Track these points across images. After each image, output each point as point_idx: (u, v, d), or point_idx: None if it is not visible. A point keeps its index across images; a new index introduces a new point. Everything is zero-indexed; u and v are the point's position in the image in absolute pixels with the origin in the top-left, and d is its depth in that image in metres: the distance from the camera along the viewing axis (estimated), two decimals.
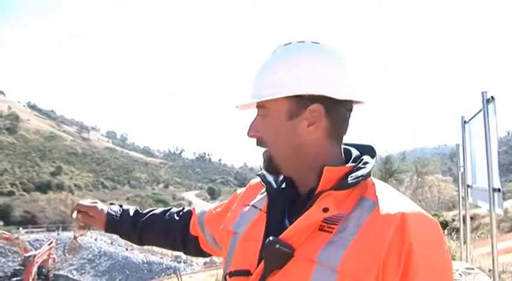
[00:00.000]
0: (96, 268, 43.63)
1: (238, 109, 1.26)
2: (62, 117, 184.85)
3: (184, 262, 41.34)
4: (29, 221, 66.40)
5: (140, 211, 1.74)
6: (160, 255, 44.73)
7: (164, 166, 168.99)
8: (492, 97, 3.92)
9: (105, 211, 1.70)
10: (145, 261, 42.77)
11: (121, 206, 1.75)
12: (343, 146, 1.21)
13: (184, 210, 1.71)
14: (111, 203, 1.76)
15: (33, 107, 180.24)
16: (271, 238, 1.08)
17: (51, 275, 26.21)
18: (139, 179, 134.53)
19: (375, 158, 1.18)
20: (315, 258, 1.03)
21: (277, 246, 1.06)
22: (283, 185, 1.25)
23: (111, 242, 51.25)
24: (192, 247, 1.66)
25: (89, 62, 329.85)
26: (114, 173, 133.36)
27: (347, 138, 1.22)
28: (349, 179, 1.09)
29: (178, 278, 21.68)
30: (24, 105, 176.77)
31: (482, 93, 4.04)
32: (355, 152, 1.21)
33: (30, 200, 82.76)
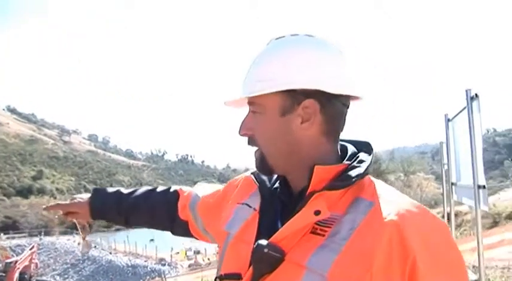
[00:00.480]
0: (80, 272, 43.29)
1: (227, 106, 1.19)
2: (43, 121, 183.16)
3: (169, 265, 41.23)
4: (10, 226, 65.71)
5: (123, 193, 1.64)
6: (144, 258, 44.58)
7: (147, 169, 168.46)
8: (476, 95, 3.93)
9: (87, 202, 1.63)
10: (129, 264, 42.55)
11: (104, 189, 1.68)
12: (340, 143, 1.14)
13: (171, 190, 1.62)
14: (95, 189, 1.68)
15: (12, 111, 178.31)
16: (260, 241, 1.02)
17: (35, 279, 25.85)
18: (121, 182, 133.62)
19: (371, 155, 1.11)
20: (305, 263, 0.96)
21: (266, 250, 1.00)
22: (277, 185, 1.19)
23: (95, 246, 50.92)
24: (180, 229, 1.58)
25: (71, 65, 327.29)
26: (96, 176, 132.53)
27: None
28: (343, 179, 1.02)
29: None
30: (3, 109, 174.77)
31: (466, 91, 4.05)
32: (351, 149, 1.13)
33: (11, 205, 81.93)
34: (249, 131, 1.12)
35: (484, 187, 3.95)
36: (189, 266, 39.20)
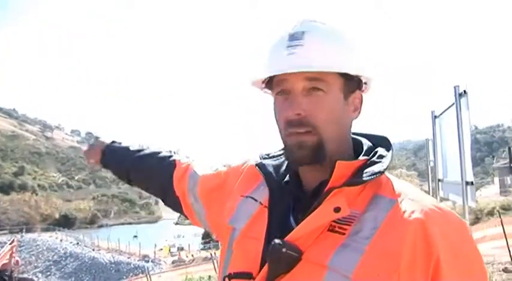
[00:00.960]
0: (62, 269, 42.93)
1: (253, 85, 1.14)
2: (24, 116, 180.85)
3: (153, 261, 41.10)
4: None
5: (130, 149, 1.60)
6: (128, 255, 44.36)
7: None
8: (465, 91, 3.94)
9: (101, 149, 1.64)
10: (112, 261, 42.30)
11: (120, 143, 1.66)
12: (353, 136, 1.11)
13: (169, 159, 1.52)
14: (113, 141, 1.67)
15: None
16: (276, 240, 0.97)
17: (16, 277, 25.43)
18: (105, 179, 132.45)
19: (391, 151, 1.06)
20: (326, 263, 0.92)
21: (284, 250, 0.95)
22: (287, 178, 1.13)
23: (77, 243, 50.63)
24: (172, 202, 1.50)
25: (53, 59, 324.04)
26: (79, 172, 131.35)
27: None
28: (364, 175, 0.98)
29: (147, 278, 21.46)
30: None
31: (454, 87, 4.05)
32: (366, 144, 1.09)
33: None
34: (304, 112, 1.01)
35: (472, 183, 3.97)
36: (173, 262, 39.07)
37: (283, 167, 1.17)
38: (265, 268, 0.99)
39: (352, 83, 1.05)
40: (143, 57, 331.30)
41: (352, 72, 1.03)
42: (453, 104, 4.19)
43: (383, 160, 1.03)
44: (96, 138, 1.73)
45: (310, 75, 1.00)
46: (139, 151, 1.58)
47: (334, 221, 0.96)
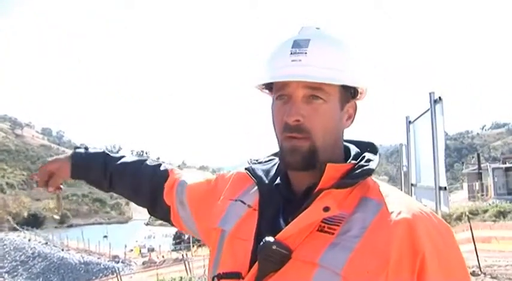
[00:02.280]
0: (30, 270, 42.17)
1: (255, 88, 1.18)
2: None
3: (123, 262, 40.68)
4: None
5: (111, 155, 1.53)
6: (97, 255, 43.82)
7: None
8: (440, 98, 3.99)
9: (68, 158, 1.52)
10: (82, 261, 41.71)
11: (87, 149, 1.55)
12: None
13: (160, 168, 1.50)
14: (76, 147, 1.57)
15: None
16: (267, 238, 1.00)
17: None
18: None
19: (377, 155, 1.12)
20: (317, 261, 0.96)
21: (274, 247, 0.98)
22: (277, 181, 1.16)
23: (46, 243, 49.80)
24: (160, 212, 1.48)
25: (24, 56, 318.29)
26: None
27: None
28: (352, 176, 1.03)
29: (118, 279, 21.22)
30: None
31: (430, 93, 4.10)
32: (354, 149, 1.15)
33: None
34: (303, 118, 1.05)
35: (445, 188, 4.03)
36: (143, 263, 38.71)
37: (272, 172, 1.20)
38: (255, 266, 1.01)
39: (349, 93, 1.11)
40: (143, 57, 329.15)
41: (351, 84, 1.08)
42: (428, 110, 4.25)
43: (370, 163, 1.07)
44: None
45: (311, 84, 1.04)
46: (120, 157, 1.55)
47: (323, 222, 1.00)
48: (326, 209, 0.99)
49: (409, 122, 5.72)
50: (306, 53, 1.05)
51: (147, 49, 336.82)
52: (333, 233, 0.98)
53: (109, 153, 1.55)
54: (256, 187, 1.18)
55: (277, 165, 1.21)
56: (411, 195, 6.06)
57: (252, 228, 1.10)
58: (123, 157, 1.56)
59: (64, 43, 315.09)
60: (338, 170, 1.04)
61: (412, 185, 5.96)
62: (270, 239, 0.99)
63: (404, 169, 6.69)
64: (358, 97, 1.14)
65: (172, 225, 1.50)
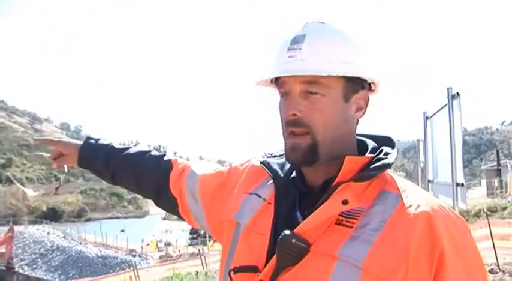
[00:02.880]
0: (49, 262, 42.67)
1: (258, 85, 1.17)
2: (14, 108, 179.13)
3: (140, 256, 40.99)
4: None
5: (115, 147, 1.55)
6: (115, 249, 44.19)
7: None
8: (457, 93, 3.95)
9: (77, 148, 1.56)
10: (99, 255, 42.13)
11: (97, 140, 1.58)
12: (357, 138, 1.15)
13: (165, 158, 1.49)
14: (88, 137, 1.61)
15: None
16: (286, 231, 1.00)
17: (10, 265, 24.85)
18: None
19: (395, 149, 1.10)
20: (336, 253, 0.95)
21: (293, 241, 0.98)
22: (293, 175, 1.16)
23: (64, 236, 50.33)
24: (166, 203, 1.47)
25: (43, 52, 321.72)
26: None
27: None
28: (371, 169, 1.02)
29: (134, 273, 21.40)
30: None
31: (447, 89, 4.06)
32: (371, 143, 1.13)
33: None
34: (300, 113, 1.05)
35: (462, 184, 3.99)
36: (160, 257, 38.97)
37: (287, 165, 1.19)
38: (274, 259, 1.01)
39: (355, 84, 1.08)
40: (143, 57, 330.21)
41: (351, 74, 1.06)
42: (446, 105, 4.21)
43: (389, 156, 1.06)
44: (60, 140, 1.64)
45: (306, 78, 1.03)
46: (126, 148, 1.55)
47: (341, 215, 1.00)
48: (345, 202, 0.98)
49: (427, 117, 5.67)
50: (300, 48, 1.05)
51: (147, 49, 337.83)
52: (351, 227, 0.98)
53: (115, 145, 1.56)
54: (271, 181, 1.18)
55: None
56: (428, 191, 6.02)
57: (269, 222, 1.09)
58: (128, 148, 1.56)
59: (78, 40, 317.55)
60: (356, 163, 1.04)
61: (429, 181, 5.91)
62: (289, 232, 0.99)
63: (422, 164, 6.63)
64: (373, 89, 1.13)
65: (180, 217, 1.48)
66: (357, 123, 1.12)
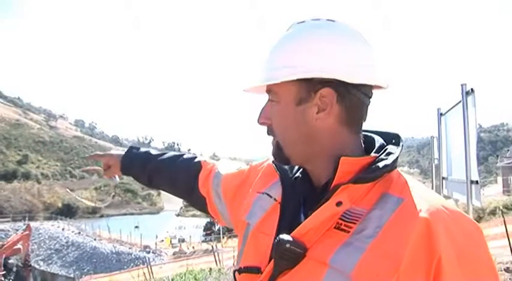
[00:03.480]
0: (64, 258, 43.01)
1: (246, 93, 1.15)
2: (29, 105, 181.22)
3: (154, 252, 41.19)
4: None
5: (152, 153, 1.67)
6: (129, 245, 44.48)
7: None
8: (472, 89, 3.91)
9: (120, 157, 1.70)
10: (113, 251, 42.37)
11: (137, 148, 1.72)
12: (367, 134, 1.10)
13: (195, 160, 1.57)
14: (130, 146, 1.74)
15: None
16: (281, 235, 0.97)
17: (28, 263, 25.17)
18: None
19: (400, 147, 1.05)
20: (328, 261, 0.91)
21: (288, 246, 0.95)
22: (296, 175, 1.14)
23: (79, 232, 50.71)
24: (198, 203, 1.53)
25: (59, 50, 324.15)
26: (82, 162, 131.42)
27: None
28: (369, 171, 0.97)
29: (148, 269, 21.49)
30: None
31: (461, 85, 4.02)
32: (379, 141, 1.08)
33: None
34: (268, 121, 1.07)
35: (476, 182, 3.94)
36: (174, 254, 39.18)
37: (297, 166, 1.17)
38: (271, 263, 0.99)
39: (311, 85, 1.01)
40: (159, 54, 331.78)
41: (289, 77, 0.99)
42: (460, 102, 4.17)
43: (389, 156, 1.00)
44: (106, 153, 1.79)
45: (267, 87, 1.06)
46: (161, 154, 1.64)
47: (341, 219, 0.96)
48: (338, 203, 0.94)
49: (441, 114, 5.62)
50: (267, 57, 1.07)
51: (139, 40, 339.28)
52: (348, 232, 0.93)
53: (151, 151, 1.68)
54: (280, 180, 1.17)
55: None
56: (442, 188, 5.98)
57: (275, 222, 1.08)
58: (163, 154, 1.65)
59: (94, 37, 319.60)
60: (354, 163, 0.99)
61: (443, 178, 5.87)
62: (284, 236, 0.96)
63: (436, 161, 6.57)
64: (331, 85, 1.01)
65: (211, 216, 1.53)
66: (347, 123, 1.03)
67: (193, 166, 1.54)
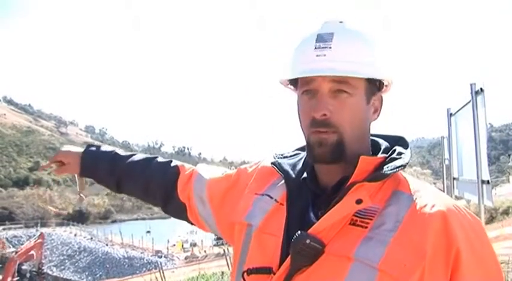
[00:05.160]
0: (76, 264, 43.25)
1: (281, 83, 1.18)
2: (39, 112, 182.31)
3: (166, 257, 41.25)
4: (6, 217, 65.44)
5: (119, 154, 1.54)
6: (141, 250, 44.59)
7: None
8: (481, 89, 3.88)
9: (78, 155, 1.53)
10: (125, 256, 42.51)
11: (99, 147, 1.57)
12: (371, 138, 1.16)
13: (171, 164, 1.50)
14: (88, 144, 1.59)
15: (9, 102, 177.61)
16: (300, 232, 0.99)
17: (41, 270, 25.35)
18: None
19: (409, 149, 1.09)
20: (352, 255, 0.95)
21: (308, 241, 0.97)
22: (304, 176, 1.15)
23: (91, 238, 50.94)
24: (175, 210, 1.49)
25: (68, 56, 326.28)
26: None
27: None
28: (385, 169, 1.01)
29: (161, 274, 21.55)
30: (0, 100, 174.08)
31: (471, 85, 3.99)
32: (384, 143, 1.13)
33: (7, 196, 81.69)
34: (329, 113, 1.04)
35: (488, 182, 3.91)
36: (186, 258, 39.22)
37: (299, 166, 1.19)
38: (288, 260, 1.00)
39: (374, 86, 1.09)
40: (141, 52, 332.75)
41: (377, 76, 1.07)
42: (469, 101, 4.14)
43: (402, 156, 1.05)
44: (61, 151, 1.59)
45: (336, 78, 1.03)
46: (130, 156, 1.54)
47: (355, 216, 0.99)
48: (358, 201, 0.98)
49: (450, 114, 5.59)
50: (330, 47, 1.04)
51: (145, 44, 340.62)
52: (366, 227, 0.97)
53: (118, 152, 1.55)
54: (282, 181, 1.17)
55: (303, 159, 1.20)
56: (453, 189, 5.94)
57: (281, 223, 1.09)
58: (132, 155, 1.55)
59: (103, 44, 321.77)
60: (370, 163, 1.04)
61: (454, 178, 5.83)
62: (303, 233, 0.98)
63: (446, 162, 6.55)
64: (383, 90, 1.13)
65: (188, 221, 1.49)
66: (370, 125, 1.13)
67: (170, 171, 1.48)
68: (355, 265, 0.94)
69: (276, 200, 1.15)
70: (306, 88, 1.07)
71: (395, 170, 1.01)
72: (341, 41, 1.05)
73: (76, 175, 1.59)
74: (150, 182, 1.49)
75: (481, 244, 0.98)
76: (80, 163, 1.53)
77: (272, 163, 1.22)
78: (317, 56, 1.05)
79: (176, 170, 1.48)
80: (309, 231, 0.99)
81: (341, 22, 1.09)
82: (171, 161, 1.52)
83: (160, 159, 1.54)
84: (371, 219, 0.98)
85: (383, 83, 1.11)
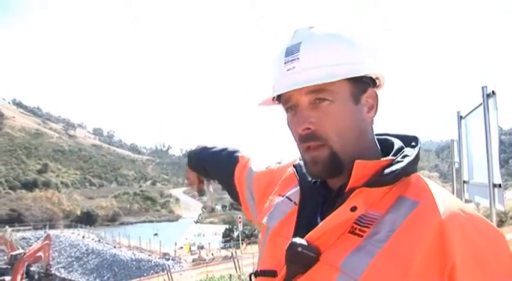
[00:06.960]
0: (84, 265, 43.41)
1: (261, 106, 1.13)
2: (48, 115, 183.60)
3: (173, 259, 41.24)
4: (15, 219, 65.89)
5: (206, 148, 1.69)
6: (148, 252, 44.63)
7: (151, 163, 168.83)
8: (493, 92, 3.84)
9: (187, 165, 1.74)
10: (133, 258, 42.55)
11: (195, 148, 1.74)
12: (387, 138, 1.09)
13: (235, 154, 1.57)
14: (191, 150, 1.76)
15: (18, 105, 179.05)
16: (293, 239, 0.96)
17: (49, 272, 25.49)
18: (126, 177, 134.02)
19: (416, 150, 1.02)
20: (339, 265, 0.90)
21: (300, 249, 0.94)
22: (314, 179, 1.12)
23: (99, 240, 51.12)
24: (235, 197, 1.54)
25: (76, 59, 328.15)
26: (101, 170, 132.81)
27: None
28: (382, 174, 0.95)
29: (168, 276, 21.58)
30: (9, 103, 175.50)
31: (482, 87, 3.95)
32: (398, 144, 1.06)
33: (16, 198, 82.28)
34: (312, 125, 0.99)
35: (499, 185, 3.87)
36: (193, 261, 39.20)
37: None
38: (284, 267, 0.98)
39: (361, 83, 1.01)
40: (147, 54, 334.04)
41: (358, 73, 0.99)
42: (480, 104, 4.11)
43: (405, 159, 0.98)
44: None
45: (312, 88, 0.97)
46: (211, 148, 1.66)
47: (355, 223, 0.94)
48: (353, 209, 0.93)
49: (461, 117, 5.56)
50: (298, 58, 0.99)
51: (150, 46, 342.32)
52: (362, 236, 0.92)
53: (204, 147, 1.69)
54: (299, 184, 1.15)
55: None
56: (463, 192, 5.89)
57: (292, 226, 1.07)
58: (213, 147, 1.66)
59: (111, 46, 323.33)
60: (369, 167, 0.97)
61: (464, 182, 5.79)
62: (297, 240, 0.95)
63: (456, 165, 6.49)
64: (378, 85, 1.06)
65: (245, 212, 1.52)
66: (372, 123, 1.06)
67: (232, 160, 1.55)
68: (340, 276, 0.89)
69: (295, 202, 1.13)
70: (287, 106, 1.04)
71: (391, 176, 0.95)
72: (308, 49, 0.99)
73: (205, 187, 1.78)
74: (219, 172, 1.62)
75: (494, 254, 0.87)
76: (188, 168, 1.74)
77: (294, 165, 1.20)
78: (287, 70, 1.00)
79: (235, 161, 1.55)
80: (306, 238, 0.96)
81: (311, 27, 1.02)
82: (237, 151, 1.59)
83: (230, 148, 1.62)
84: (369, 227, 0.92)
85: (373, 78, 1.04)
